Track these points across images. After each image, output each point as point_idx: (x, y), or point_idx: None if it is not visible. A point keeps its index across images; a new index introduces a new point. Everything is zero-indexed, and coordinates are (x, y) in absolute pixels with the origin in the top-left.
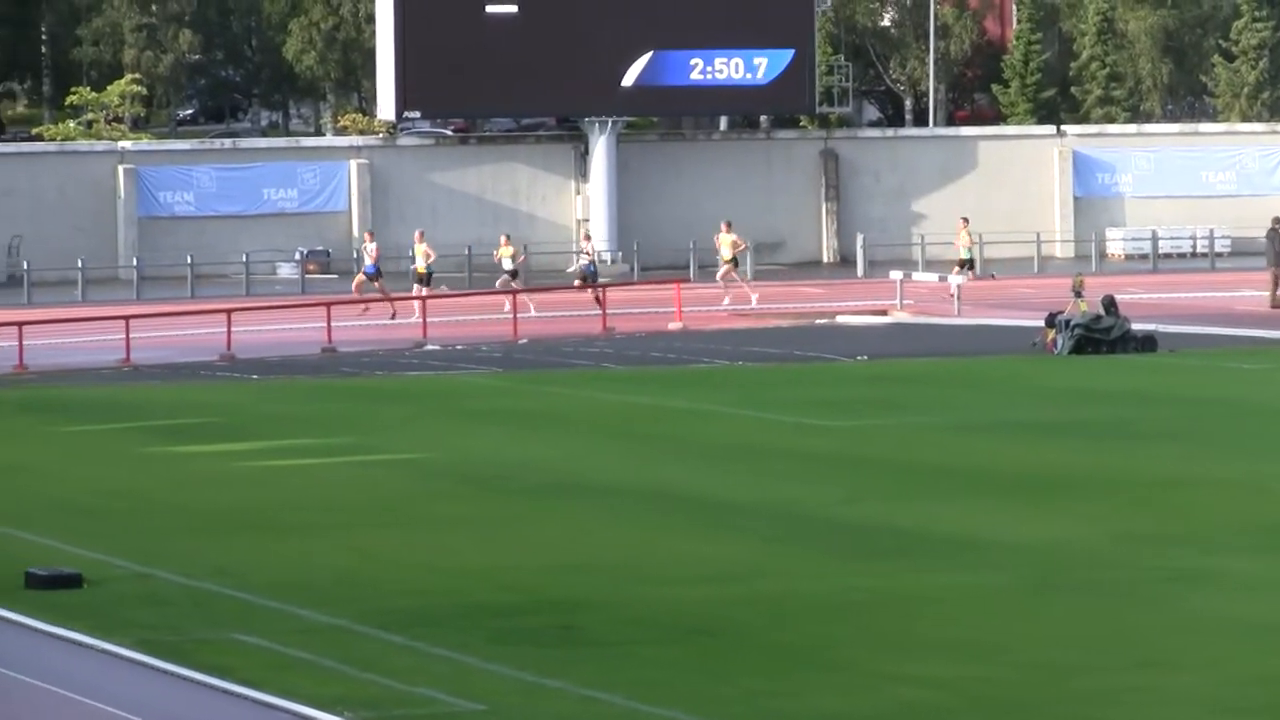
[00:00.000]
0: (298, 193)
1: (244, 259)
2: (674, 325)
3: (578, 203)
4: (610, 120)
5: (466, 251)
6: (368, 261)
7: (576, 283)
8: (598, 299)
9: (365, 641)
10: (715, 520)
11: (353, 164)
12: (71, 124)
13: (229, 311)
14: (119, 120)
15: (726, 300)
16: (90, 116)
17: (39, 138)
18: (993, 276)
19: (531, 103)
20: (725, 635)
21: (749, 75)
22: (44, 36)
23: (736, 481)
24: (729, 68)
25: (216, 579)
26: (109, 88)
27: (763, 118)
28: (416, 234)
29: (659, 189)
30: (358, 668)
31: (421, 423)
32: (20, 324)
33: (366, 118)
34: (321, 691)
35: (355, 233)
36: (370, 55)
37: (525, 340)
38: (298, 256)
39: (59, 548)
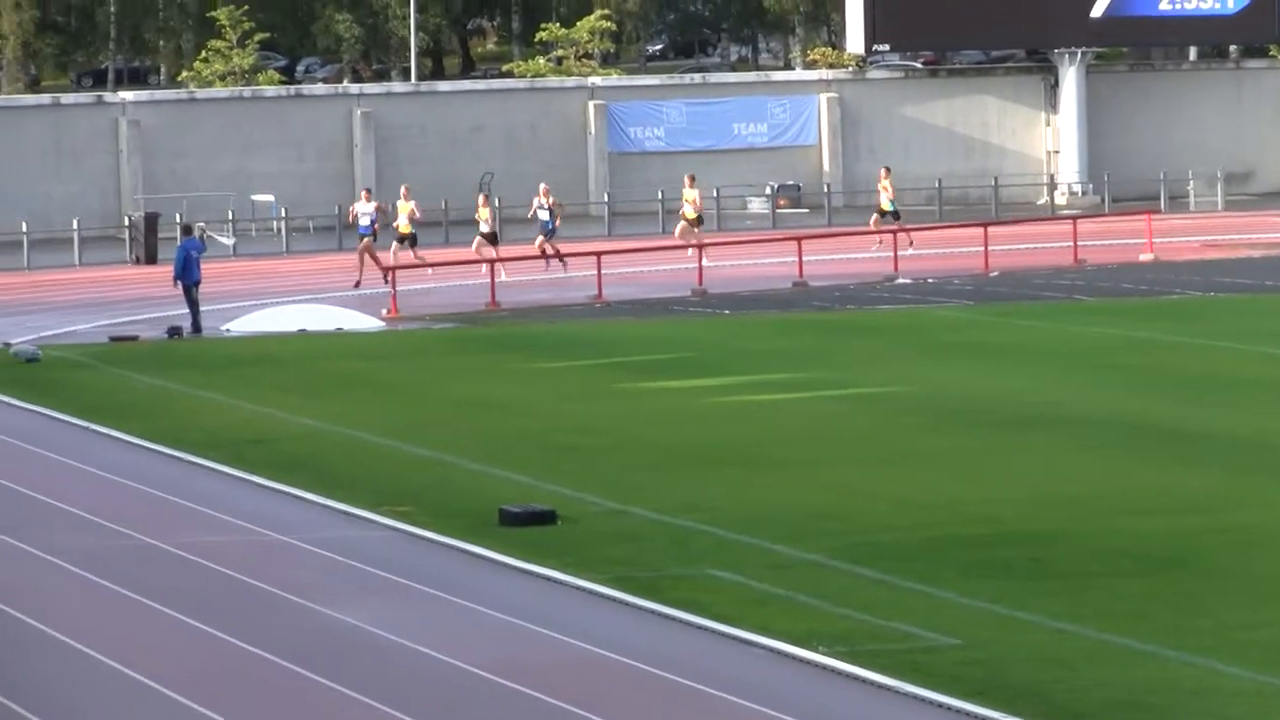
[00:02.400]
0: (768, 127)
1: (715, 194)
2: (1145, 256)
3: (1047, 135)
4: (1080, 51)
5: (937, 184)
6: (364, 222)
7: (538, 239)
8: (552, 254)
9: (838, 576)
10: (1185, 451)
11: (822, 98)
12: (541, 60)
13: (700, 247)
14: (588, 56)
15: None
16: (560, 53)
17: (509, 75)
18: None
19: (1001, 35)
20: (1196, 566)
21: (1217, 5)
22: None
23: (1206, 413)
24: None
25: (690, 515)
26: (578, 24)
27: (1231, 47)
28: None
29: (1129, 120)
30: (831, 602)
31: (893, 356)
32: (491, 261)
33: (835, 51)
34: (795, 626)
35: (826, 166)
36: None
37: (996, 273)
38: (768, 191)
39: (532, 484)
